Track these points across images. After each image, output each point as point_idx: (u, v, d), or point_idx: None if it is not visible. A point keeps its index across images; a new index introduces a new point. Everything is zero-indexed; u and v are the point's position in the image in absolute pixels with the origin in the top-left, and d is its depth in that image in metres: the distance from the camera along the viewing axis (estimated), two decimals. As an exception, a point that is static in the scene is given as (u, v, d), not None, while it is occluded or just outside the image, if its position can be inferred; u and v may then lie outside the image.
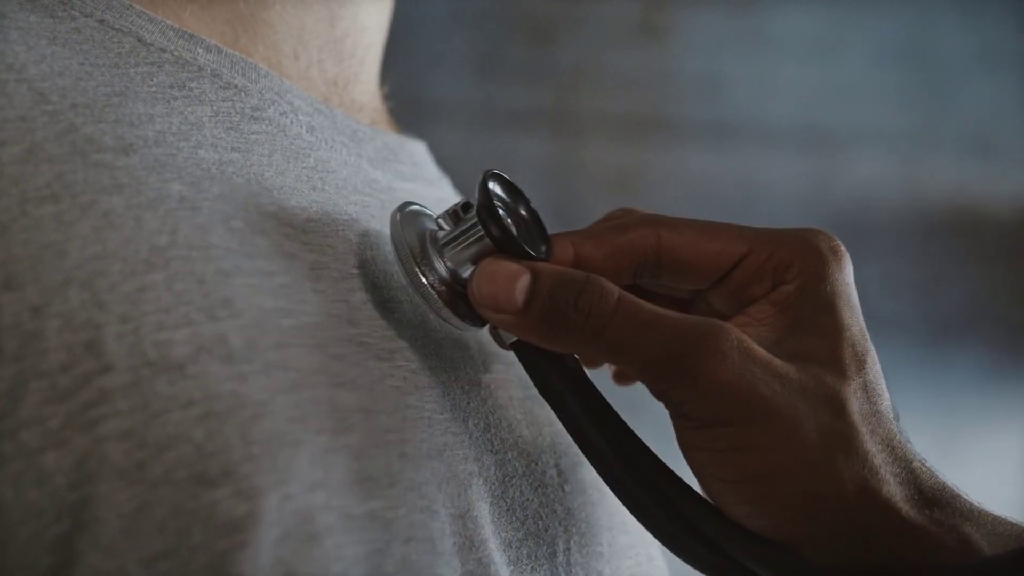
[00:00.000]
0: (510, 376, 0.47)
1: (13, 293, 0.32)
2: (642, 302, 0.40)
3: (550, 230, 0.44)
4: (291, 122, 0.44)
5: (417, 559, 0.36)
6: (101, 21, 0.40)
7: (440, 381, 0.42)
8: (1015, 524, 0.41)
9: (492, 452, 0.43)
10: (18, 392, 0.31)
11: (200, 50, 0.42)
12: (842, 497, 0.38)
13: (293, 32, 0.47)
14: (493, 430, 0.43)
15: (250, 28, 0.46)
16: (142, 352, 0.32)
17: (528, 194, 0.44)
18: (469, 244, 0.42)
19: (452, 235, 0.42)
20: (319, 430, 0.34)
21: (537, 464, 0.45)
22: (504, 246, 0.41)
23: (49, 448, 0.31)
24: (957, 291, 2.12)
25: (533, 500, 0.43)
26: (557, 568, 0.43)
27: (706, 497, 0.41)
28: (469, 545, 0.39)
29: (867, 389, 0.41)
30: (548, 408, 0.44)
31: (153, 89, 0.39)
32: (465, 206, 0.43)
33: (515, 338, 0.42)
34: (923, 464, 0.41)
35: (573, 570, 0.44)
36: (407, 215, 0.43)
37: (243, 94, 0.42)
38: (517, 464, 0.44)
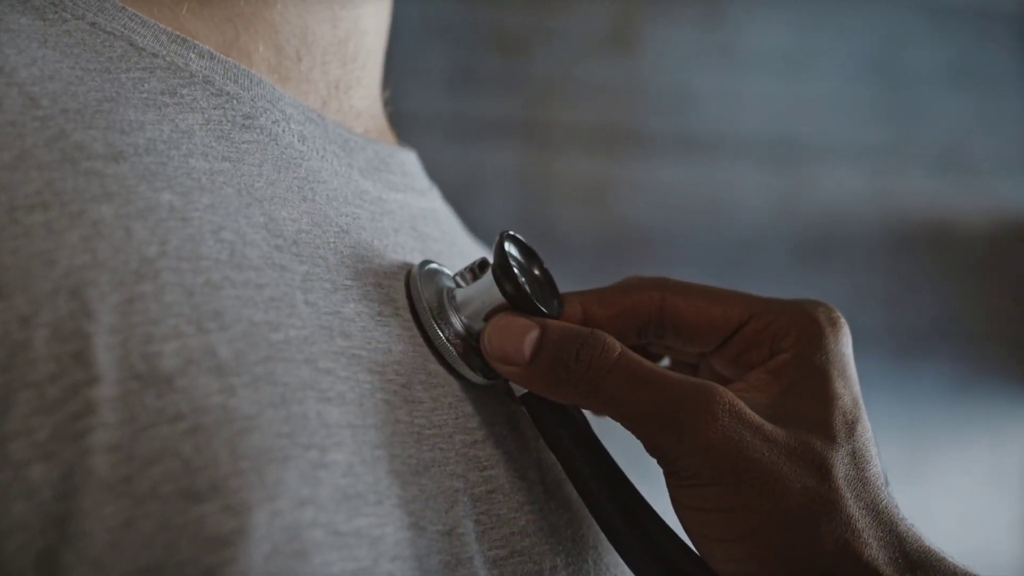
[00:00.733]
0: (496, 392, 0.47)
1: (2, 302, 0.31)
2: (642, 360, 0.41)
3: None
4: (283, 131, 0.43)
5: None
6: (93, 24, 0.39)
7: (429, 396, 0.42)
8: None
9: (479, 469, 0.42)
10: (6, 403, 0.31)
11: (192, 56, 0.41)
12: (824, 557, 0.39)
13: (296, 32, 0.46)
14: (479, 446, 0.43)
15: (251, 27, 0.45)
16: (131, 364, 0.32)
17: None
18: (484, 301, 0.44)
19: (468, 292, 0.44)
20: (307, 446, 0.34)
21: (523, 481, 0.44)
22: (517, 303, 0.43)
23: (36, 460, 0.30)
24: (926, 304, 2.13)
25: (519, 517, 0.43)
26: None
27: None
28: (455, 563, 0.38)
29: (855, 455, 0.42)
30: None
31: (144, 95, 0.38)
32: (482, 264, 0.45)
33: (524, 391, 0.43)
34: (909, 529, 0.42)
35: None
36: (426, 273, 0.45)
37: (235, 101, 0.42)
38: (503, 481, 0.43)
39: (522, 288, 0.43)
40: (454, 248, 0.54)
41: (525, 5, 2.03)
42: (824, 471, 0.40)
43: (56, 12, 0.39)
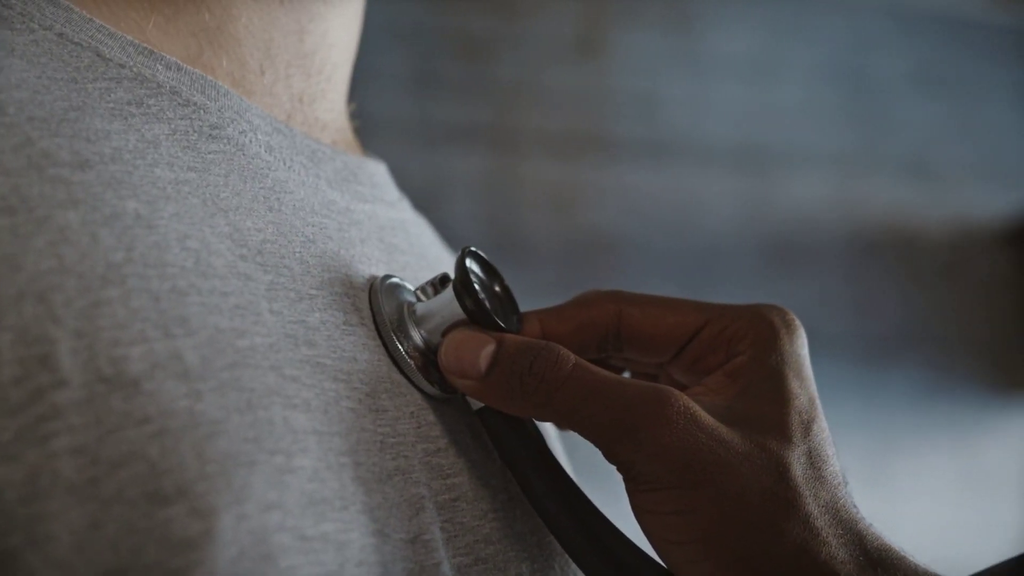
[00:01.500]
0: (461, 400, 0.46)
1: None
2: (596, 368, 0.42)
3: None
4: (250, 141, 0.43)
5: None
6: (60, 35, 0.39)
7: (393, 405, 0.42)
8: None
9: (441, 477, 0.42)
10: None
11: (160, 67, 0.41)
12: (783, 557, 0.40)
13: (260, 46, 0.47)
14: (442, 454, 0.43)
15: (215, 41, 0.45)
16: (97, 368, 0.32)
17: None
18: (444, 315, 0.44)
19: (428, 307, 0.45)
20: (273, 451, 0.34)
21: (487, 489, 0.45)
22: (477, 318, 0.43)
23: (0, 462, 0.30)
24: (892, 310, 2.15)
25: (483, 525, 0.43)
26: None
27: (657, 559, 0.42)
28: (419, 570, 0.39)
29: (811, 455, 0.42)
30: None
31: (111, 105, 0.38)
32: (443, 279, 0.45)
33: (481, 405, 0.44)
34: (868, 527, 0.42)
35: None
36: (387, 287, 0.45)
37: (202, 112, 0.42)
38: (467, 489, 0.43)
39: (482, 304, 0.43)
40: (422, 260, 0.53)
41: (491, 10, 2.03)
42: (781, 471, 0.40)
43: (24, 22, 0.39)
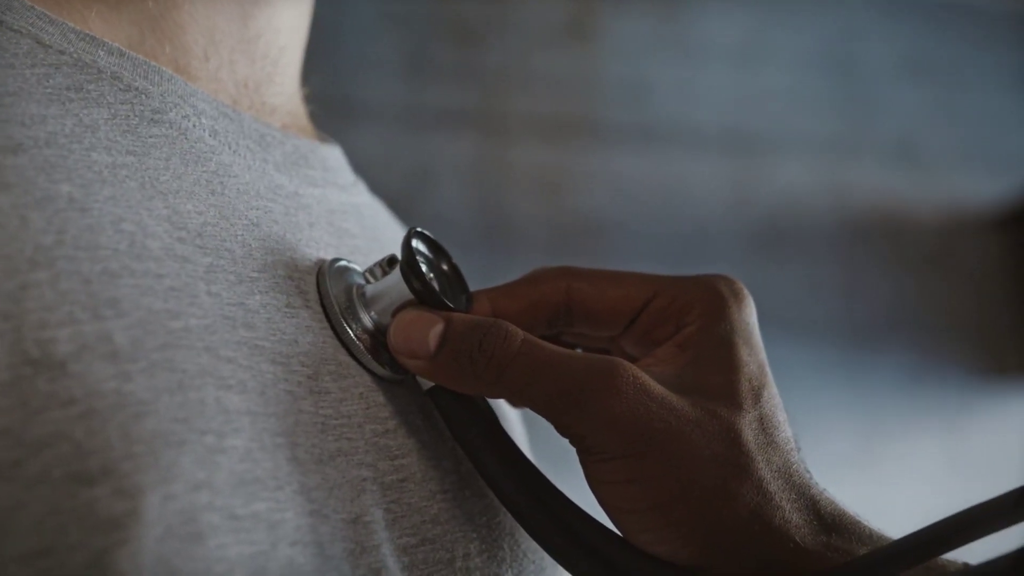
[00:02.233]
0: (412, 381, 0.47)
1: None
2: (544, 343, 0.42)
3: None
4: (193, 125, 0.43)
5: (304, 562, 0.35)
6: (0, 22, 0.39)
7: (338, 386, 0.42)
8: None
9: (389, 458, 0.42)
10: None
11: (101, 52, 0.41)
12: (736, 521, 0.40)
13: (204, 32, 0.47)
14: (391, 435, 0.43)
15: (157, 29, 0.45)
16: (23, 350, 0.32)
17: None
18: (393, 297, 0.44)
19: (377, 288, 0.45)
20: (204, 431, 0.34)
21: (437, 470, 0.45)
22: (424, 299, 0.43)
23: None
24: (880, 295, 2.15)
25: (431, 506, 0.43)
26: (456, 573, 0.43)
27: (613, 528, 0.42)
28: (360, 550, 0.39)
29: (763, 421, 0.42)
30: None
31: (48, 91, 0.38)
32: (391, 261, 0.45)
33: (431, 384, 0.44)
34: (822, 493, 0.42)
35: (473, 575, 0.44)
36: (336, 270, 0.45)
37: (144, 97, 0.42)
38: (415, 469, 0.43)
39: (428, 284, 0.43)
40: (374, 243, 0.53)
41: (482, -5, 2.03)
42: (732, 437, 0.41)
43: None
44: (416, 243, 0.45)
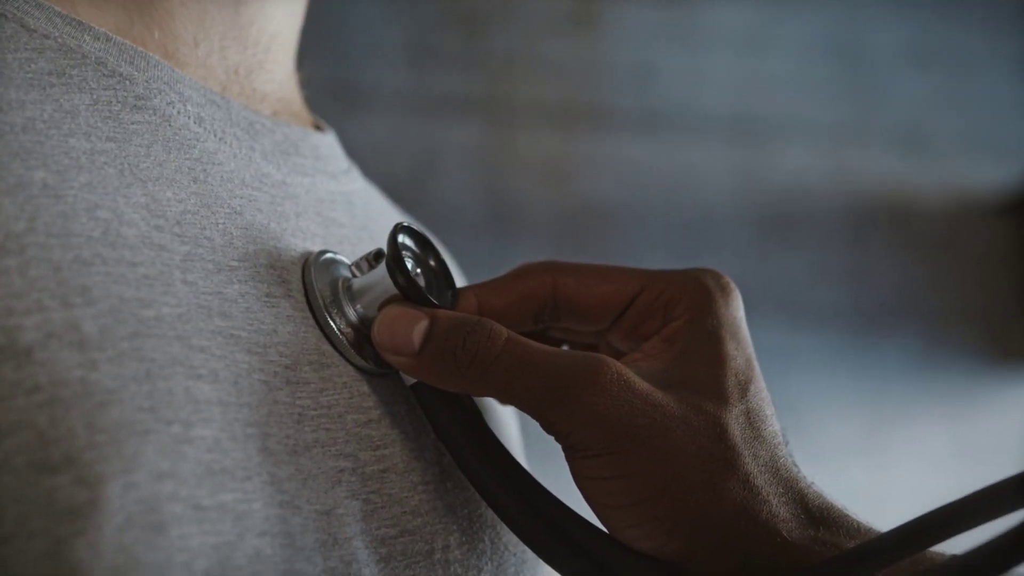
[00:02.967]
0: (396, 375, 0.47)
1: None
2: (529, 341, 0.42)
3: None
4: (178, 112, 0.43)
5: (272, 553, 0.35)
6: None
7: (319, 376, 0.42)
8: None
9: (371, 448, 0.42)
10: None
11: (87, 37, 0.41)
12: (723, 516, 0.40)
13: (194, 19, 0.46)
14: (374, 425, 0.43)
15: (146, 14, 0.45)
16: None
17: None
18: (378, 291, 0.44)
19: (362, 282, 0.45)
20: (170, 420, 0.34)
21: (419, 461, 0.44)
22: (409, 294, 0.43)
23: None
24: (886, 281, 2.15)
25: (412, 497, 0.43)
26: (434, 565, 0.43)
27: (599, 524, 0.42)
28: (332, 542, 0.38)
29: (749, 415, 0.42)
30: None
31: (29, 76, 0.38)
32: (377, 255, 0.45)
33: (415, 380, 0.44)
34: (810, 486, 0.42)
35: (452, 567, 0.44)
36: (322, 262, 0.45)
37: (128, 83, 0.42)
38: (397, 460, 0.43)
39: (413, 280, 0.43)
40: (364, 232, 0.53)
41: (488, -19, 2.03)
42: (718, 431, 0.41)
43: None
44: (402, 238, 0.44)
